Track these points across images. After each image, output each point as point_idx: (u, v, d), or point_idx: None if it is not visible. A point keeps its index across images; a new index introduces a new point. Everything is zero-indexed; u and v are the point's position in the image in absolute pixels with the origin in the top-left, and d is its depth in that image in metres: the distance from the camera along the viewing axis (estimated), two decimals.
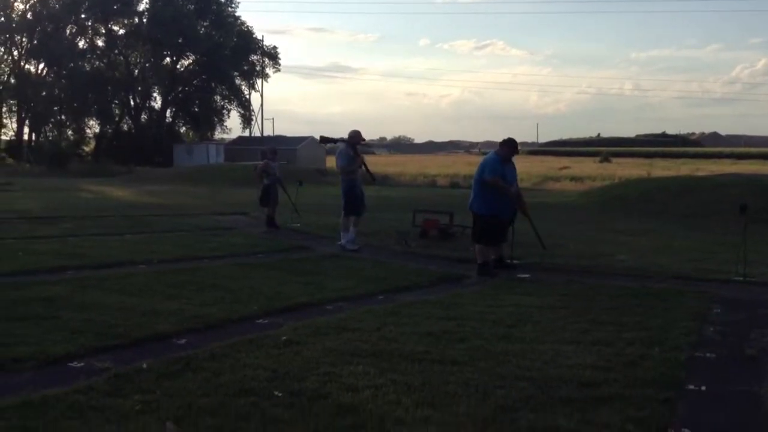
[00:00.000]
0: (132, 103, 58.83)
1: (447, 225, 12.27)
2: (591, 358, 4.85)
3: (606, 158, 69.27)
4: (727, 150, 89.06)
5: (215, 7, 57.63)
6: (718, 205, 16.54)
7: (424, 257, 10.10)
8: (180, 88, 59.41)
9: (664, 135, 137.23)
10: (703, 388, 4.39)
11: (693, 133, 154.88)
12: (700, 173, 31.68)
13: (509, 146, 9.08)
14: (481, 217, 8.90)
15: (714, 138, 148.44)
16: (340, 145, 10.87)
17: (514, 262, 9.27)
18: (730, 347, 5.35)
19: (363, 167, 10.84)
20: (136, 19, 57.04)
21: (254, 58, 60.93)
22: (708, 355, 5.14)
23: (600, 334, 5.53)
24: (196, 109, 60.10)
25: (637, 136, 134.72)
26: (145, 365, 4.49)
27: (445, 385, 4.25)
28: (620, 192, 21.38)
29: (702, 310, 6.53)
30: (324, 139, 12.42)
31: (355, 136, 10.75)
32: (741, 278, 8.11)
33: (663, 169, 44.60)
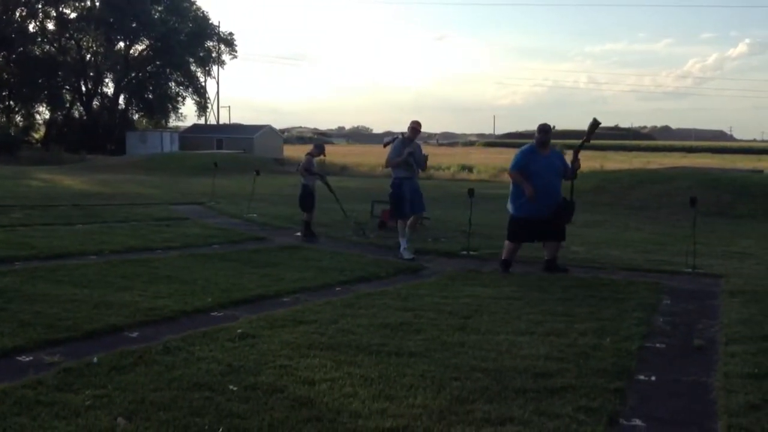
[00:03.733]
0: (84, 89, 57.42)
1: None
2: (545, 349, 4.92)
3: (561, 151, 70.20)
4: (678, 143, 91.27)
5: None
6: (668, 198, 16.96)
7: (382, 248, 10.10)
8: (133, 74, 58.18)
9: (617, 128, 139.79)
10: (653, 378, 4.49)
11: (645, 127, 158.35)
12: (652, 166, 32.37)
13: (540, 131, 8.29)
14: (511, 217, 8.42)
15: (665, 131, 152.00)
16: (396, 141, 9.66)
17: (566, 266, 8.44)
18: (679, 337, 5.48)
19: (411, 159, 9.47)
20: (89, 2, 55.61)
21: (210, 44, 60.04)
22: (658, 345, 5.26)
23: (553, 325, 5.61)
24: (150, 96, 58.96)
25: None
26: (96, 359, 4.39)
27: (401, 377, 4.26)
28: (573, 184, 21.69)
29: (652, 301, 6.67)
30: (387, 143, 11.77)
31: (412, 127, 9.54)
32: (690, 270, 8.32)
33: (616, 162, 45.39)
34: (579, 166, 8.40)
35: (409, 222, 9.46)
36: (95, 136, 52.61)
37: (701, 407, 4.02)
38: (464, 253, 9.28)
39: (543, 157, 8.15)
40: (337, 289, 7.17)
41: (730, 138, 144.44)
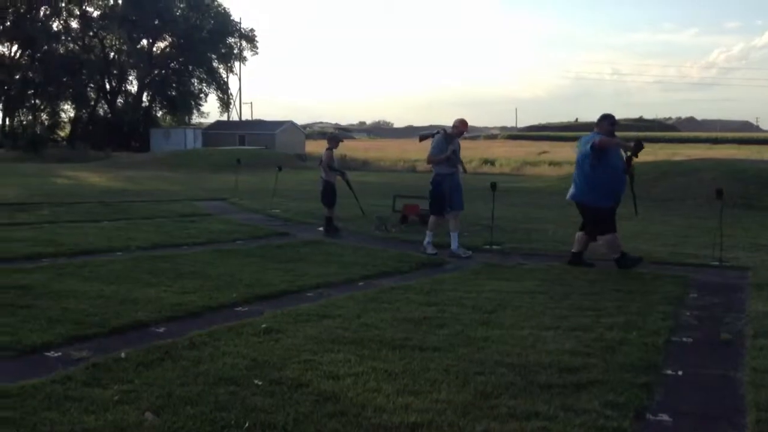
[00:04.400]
0: (108, 86, 58.10)
1: (427, 210, 12.26)
2: (570, 344, 4.89)
3: None
4: (704, 135, 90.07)
5: None
6: (694, 190, 16.75)
7: (404, 243, 10.10)
8: (156, 72, 58.73)
9: (641, 120, 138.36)
10: (680, 372, 4.44)
11: (670, 118, 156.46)
12: (677, 158, 31.97)
13: (607, 119, 8.09)
14: (591, 208, 8.03)
15: (690, 122, 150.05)
16: (436, 135, 9.48)
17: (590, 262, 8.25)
18: (706, 331, 5.42)
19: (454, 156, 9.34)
20: (112, 1, 56.15)
21: (232, 40, 60.37)
22: (685, 339, 5.20)
23: (579, 320, 5.57)
24: (173, 93, 59.49)
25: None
26: (123, 354, 4.44)
27: (425, 372, 4.26)
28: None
29: (679, 295, 6.60)
30: (423, 137, 11.44)
31: (457, 125, 9.33)
32: (716, 263, 8.22)
33: (641, 153, 44.90)
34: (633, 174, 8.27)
35: (451, 221, 9.30)
36: (120, 133, 53.21)
37: (729, 402, 3.97)
38: (487, 247, 9.24)
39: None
40: (360, 283, 7.18)
41: (757, 129, 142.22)
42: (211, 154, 37.09)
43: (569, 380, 4.17)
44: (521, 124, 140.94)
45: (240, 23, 60.72)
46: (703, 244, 9.59)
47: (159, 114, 62.59)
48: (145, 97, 59.73)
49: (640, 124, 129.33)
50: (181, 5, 57.09)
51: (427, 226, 11.57)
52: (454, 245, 9.10)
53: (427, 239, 9.28)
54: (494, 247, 9.36)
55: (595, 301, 6.29)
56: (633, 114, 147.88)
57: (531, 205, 16.02)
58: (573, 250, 8.28)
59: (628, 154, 7.94)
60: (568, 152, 52.50)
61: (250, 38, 61.04)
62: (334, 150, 11.47)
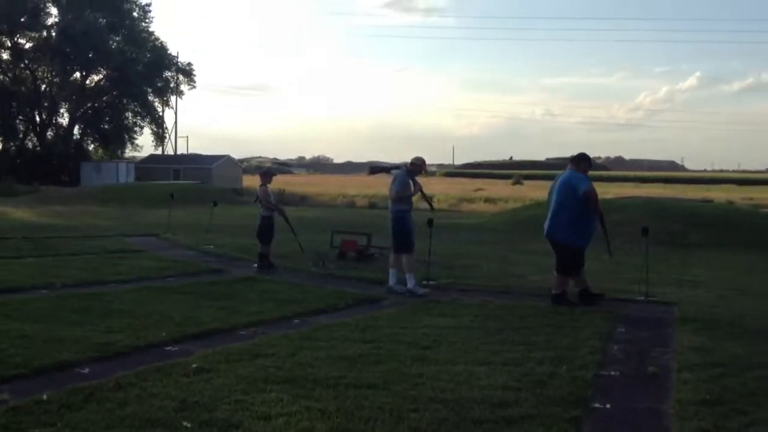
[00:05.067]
0: (38, 119, 56.35)
1: (365, 246, 12.31)
2: (502, 379, 4.95)
3: (518, 181, 71.49)
4: (631, 174, 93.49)
5: (128, 21, 56.22)
6: (621, 227, 17.26)
7: (341, 279, 10.07)
8: (89, 104, 57.39)
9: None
10: (608, 405, 4.54)
11: (599, 157, 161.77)
12: (607, 196, 33.02)
13: (587, 161, 8.31)
14: (570, 248, 8.07)
15: (619, 162, 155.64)
16: (396, 171, 9.38)
17: (598, 294, 8.34)
18: (633, 365, 5.56)
19: (420, 194, 9.46)
20: (45, 33, 54.84)
21: (168, 74, 59.67)
22: (613, 373, 5.33)
23: (511, 354, 5.64)
24: (106, 126, 58.19)
25: (547, 159, 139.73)
26: (45, 396, 4.26)
27: (359, 410, 4.23)
28: (531, 213, 21.99)
29: (607, 329, 6.77)
30: (374, 169, 11.09)
31: (418, 162, 9.35)
32: (643, 298, 8.47)
33: None
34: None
35: (393, 258, 9.15)
36: (49, 167, 51.55)
37: None
38: (424, 282, 9.29)
39: None
40: (295, 321, 7.10)
41: (682, 168, 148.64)
42: (143, 188, 36.31)
43: (501, 415, 4.21)
44: (458, 161, 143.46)
45: (177, 57, 60.03)
46: (630, 280, 9.87)
47: (91, 147, 61.05)
48: (76, 131, 58.19)
49: None
50: (117, 38, 56.18)
51: (364, 261, 11.62)
52: (411, 283, 8.96)
53: (412, 282, 8.97)
54: (431, 282, 9.43)
55: (526, 335, 6.39)
56: (564, 153, 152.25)
57: (467, 241, 16.24)
58: (554, 292, 8.24)
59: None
60: (503, 189, 53.66)
61: (187, 72, 60.38)
62: (268, 185, 11.40)
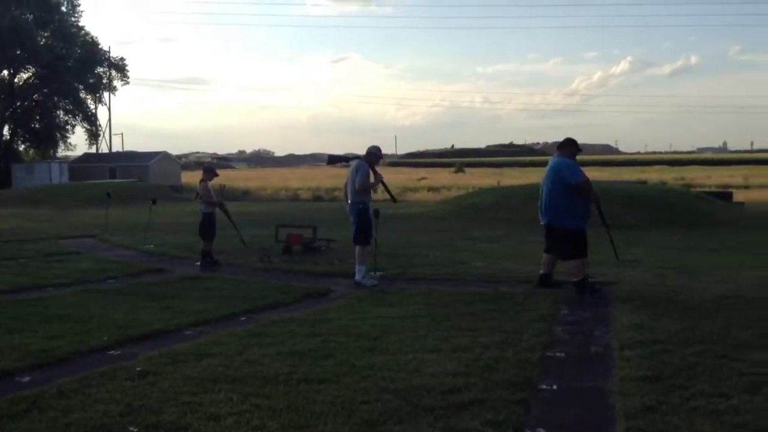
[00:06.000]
0: None
1: (311, 239, 12.25)
2: (452, 365, 5.00)
3: (460, 169, 72.26)
4: None
5: (57, 17, 54.20)
6: None
7: (288, 273, 9.98)
8: (19, 104, 55.27)
9: (511, 145, 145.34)
10: (555, 386, 4.64)
11: (537, 143, 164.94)
12: None
13: (574, 145, 8.27)
14: (576, 231, 7.90)
15: (556, 147, 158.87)
16: (356, 161, 9.20)
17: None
18: (577, 346, 5.70)
19: (382, 185, 9.34)
20: None
21: (100, 70, 57.90)
22: (558, 354, 5.45)
23: (459, 341, 5.71)
24: (37, 126, 56.16)
25: (488, 146, 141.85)
26: None
27: (310, 405, 4.21)
28: (474, 201, 22.32)
29: (551, 311, 6.92)
30: (333, 159, 10.84)
31: (375, 151, 9.24)
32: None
33: (512, 178, 47.03)
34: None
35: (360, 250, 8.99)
36: None
37: (601, 413, 4.18)
38: (372, 273, 9.30)
39: None
40: (242, 318, 7.02)
41: (616, 151, 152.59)
42: (78, 188, 35.26)
43: (451, 401, 4.25)
44: (401, 151, 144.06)
45: (109, 52, 58.23)
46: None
47: (21, 148, 58.86)
48: (6, 131, 55.98)
49: (510, 149, 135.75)
50: (45, 34, 54.17)
51: (310, 254, 11.56)
52: (360, 275, 8.92)
53: (360, 274, 8.92)
54: (378, 273, 9.44)
55: (473, 321, 6.47)
56: (503, 140, 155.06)
57: (412, 231, 16.33)
58: (541, 272, 8.30)
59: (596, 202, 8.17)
60: (445, 178, 54.18)
61: (119, 67, 58.65)
62: (209, 182, 11.22)
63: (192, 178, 52.68)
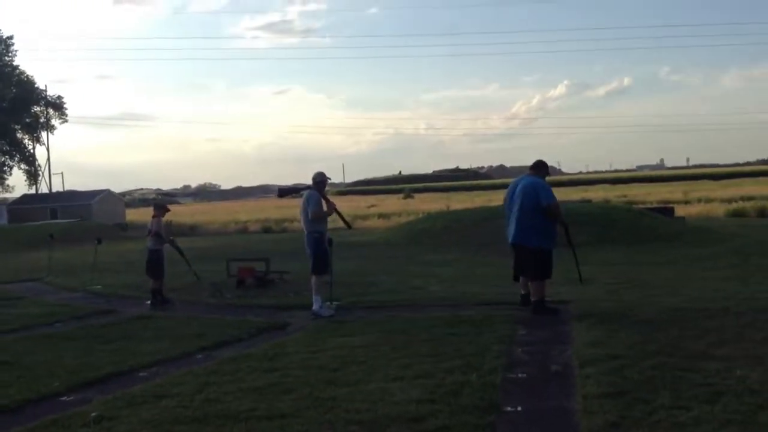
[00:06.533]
0: None
1: (264, 272, 12.09)
2: (416, 393, 4.96)
3: (409, 194, 72.68)
4: (513, 181, 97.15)
5: None
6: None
7: (242, 308, 9.83)
8: None
9: (457, 169, 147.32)
10: (519, 408, 4.65)
11: (482, 167, 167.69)
12: (494, 203, 34.15)
13: (546, 167, 8.44)
14: (543, 251, 7.99)
15: (501, 170, 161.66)
16: (307, 192, 9.14)
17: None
18: (538, 365, 5.74)
19: (335, 212, 9.30)
20: None
21: (37, 109, 56.61)
22: (520, 375, 5.47)
23: (421, 367, 5.68)
24: None
25: (434, 171, 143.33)
26: None
27: None
28: (424, 226, 22.43)
29: (509, 333, 6.96)
30: (283, 192, 10.66)
31: (320, 178, 9.15)
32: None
33: (460, 201, 47.53)
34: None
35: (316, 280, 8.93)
36: None
37: (566, 431, 4.20)
38: (328, 303, 9.21)
39: None
40: (198, 356, 6.85)
41: (559, 172, 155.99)
42: (18, 231, 34.15)
43: (418, 429, 4.23)
44: (349, 179, 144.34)
45: (46, 90, 57.06)
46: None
47: None
48: None
49: (456, 173, 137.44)
50: None
51: (264, 287, 11.38)
52: (317, 305, 8.84)
53: (317, 304, 8.84)
54: (334, 303, 9.36)
55: (433, 346, 6.46)
56: (449, 165, 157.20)
57: (366, 258, 16.30)
58: (522, 292, 8.30)
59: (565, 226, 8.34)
60: (395, 204, 54.39)
61: (57, 105, 57.54)
62: (161, 217, 11.01)
63: (137, 215, 51.68)
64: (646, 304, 8.27)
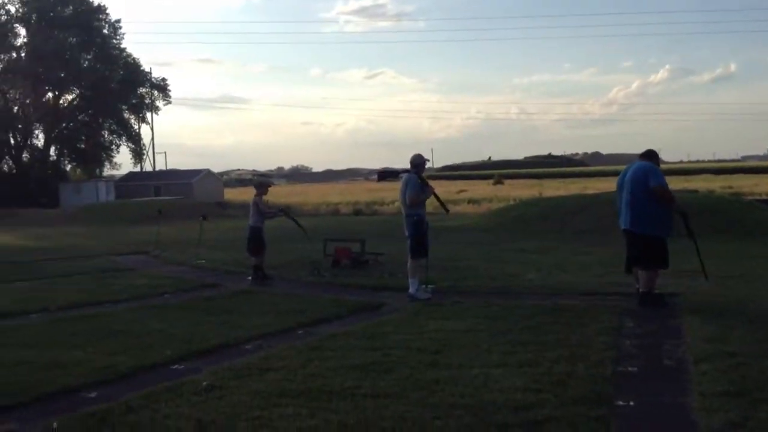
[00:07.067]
0: (12, 141, 55.56)
1: (359, 253, 12.20)
2: (521, 380, 4.86)
3: (499, 180, 71.63)
4: (610, 168, 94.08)
5: (99, 39, 55.58)
6: (609, 220, 17.31)
7: (338, 287, 9.95)
8: (64, 125, 56.69)
9: (550, 156, 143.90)
10: (632, 402, 4.47)
11: (576, 154, 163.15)
12: (589, 191, 33.18)
13: (656, 155, 8.13)
14: (655, 239, 7.65)
15: (596, 157, 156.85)
16: (405, 175, 9.11)
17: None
18: (649, 359, 5.51)
19: (434, 196, 9.23)
20: (14, 54, 54.15)
21: (143, 90, 59.13)
22: (630, 368, 5.26)
23: (525, 355, 5.56)
24: (83, 146, 57.50)
25: (525, 158, 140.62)
26: (55, 425, 4.12)
27: (380, 421, 4.13)
28: (519, 212, 22.04)
29: (616, 324, 6.71)
30: (384, 175, 10.78)
31: (419, 161, 9.07)
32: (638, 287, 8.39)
33: (553, 189, 46.40)
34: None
35: (412, 263, 8.89)
36: (26, 189, 50.79)
37: (685, 430, 4.01)
38: (423, 287, 9.19)
39: None
40: (299, 332, 6.98)
41: (659, 161, 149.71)
42: (125, 206, 35.93)
43: (526, 418, 4.12)
44: (437, 164, 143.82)
45: (150, 73, 59.51)
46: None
47: (68, 168, 60.32)
48: (52, 151, 57.43)
49: (549, 160, 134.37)
50: (89, 57, 55.59)
51: (358, 268, 11.48)
52: (413, 288, 8.83)
53: (413, 287, 8.82)
54: (429, 286, 9.32)
55: (535, 334, 6.32)
56: (542, 151, 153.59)
57: (459, 243, 16.16)
58: (642, 290, 7.77)
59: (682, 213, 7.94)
60: (484, 189, 53.73)
61: (161, 87, 59.85)
62: (263, 195, 11.27)
63: (234, 195, 53.30)
64: (762, 299, 7.80)
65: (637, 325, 6.74)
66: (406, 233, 9.04)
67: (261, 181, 12.05)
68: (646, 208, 7.71)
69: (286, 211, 11.37)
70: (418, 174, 9.09)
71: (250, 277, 10.91)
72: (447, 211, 10.45)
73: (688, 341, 5.93)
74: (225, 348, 6.28)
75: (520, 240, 16.68)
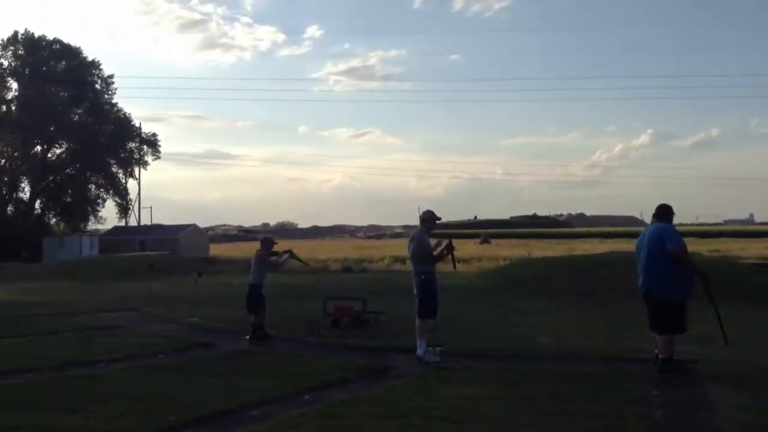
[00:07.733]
0: None
1: (360, 312, 11.86)
2: None
3: (486, 239, 71.73)
4: (595, 230, 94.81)
5: (91, 94, 55.73)
6: (610, 282, 17.13)
7: (340, 348, 9.60)
8: (51, 178, 56.29)
9: (535, 216, 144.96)
10: None
11: (561, 214, 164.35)
12: (577, 252, 33.15)
13: (669, 211, 7.85)
14: (673, 303, 7.45)
15: (581, 218, 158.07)
16: (414, 231, 9.03)
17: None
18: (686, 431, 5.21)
19: (444, 252, 8.92)
20: (4, 107, 54.10)
21: (132, 145, 59.05)
22: None
23: (555, 426, 5.25)
24: (69, 200, 56.98)
25: (511, 217, 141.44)
26: None
27: None
28: (515, 272, 21.82)
29: (642, 393, 6.41)
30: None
31: (426, 216, 8.90)
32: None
33: (540, 249, 46.42)
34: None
35: (420, 323, 8.63)
36: (9, 242, 50.01)
37: None
38: (430, 349, 8.85)
39: None
40: (306, 397, 6.61)
41: (641, 223, 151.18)
42: (110, 261, 35.29)
43: None
44: None
45: (140, 128, 59.54)
46: (638, 337, 9.57)
47: (52, 221, 59.59)
48: (37, 204, 56.84)
49: (534, 220, 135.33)
50: (79, 111, 55.64)
51: (359, 328, 11.11)
52: (421, 350, 8.52)
53: (421, 349, 8.51)
54: (437, 348, 8.97)
55: (561, 403, 6.01)
56: (527, 211, 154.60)
57: (457, 303, 15.84)
58: (662, 356, 7.47)
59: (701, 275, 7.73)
60: (472, 248, 53.61)
61: (151, 142, 59.83)
62: (265, 252, 11.03)
63: (220, 251, 52.79)
64: None
65: (662, 394, 6.44)
66: (415, 291, 8.76)
67: (266, 238, 11.85)
68: (663, 270, 7.51)
69: (291, 251, 11.15)
70: (427, 230, 8.87)
71: (248, 336, 10.52)
72: (455, 266, 10.23)
73: (721, 411, 5.64)
74: (230, 414, 5.92)
75: (521, 300, 16.42)
